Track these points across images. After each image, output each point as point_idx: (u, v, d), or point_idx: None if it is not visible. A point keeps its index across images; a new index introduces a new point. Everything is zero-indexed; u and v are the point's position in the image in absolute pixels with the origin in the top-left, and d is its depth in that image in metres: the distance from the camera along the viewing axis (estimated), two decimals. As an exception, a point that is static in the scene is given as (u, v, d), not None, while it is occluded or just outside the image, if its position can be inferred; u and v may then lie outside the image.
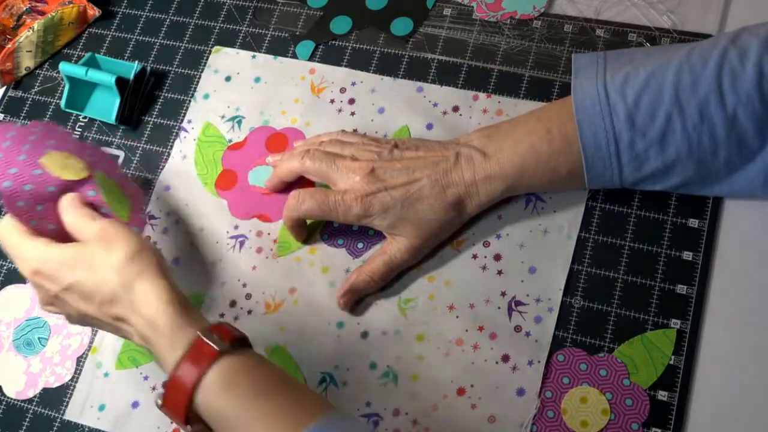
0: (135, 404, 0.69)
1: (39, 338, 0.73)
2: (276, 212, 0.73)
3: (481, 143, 0.65)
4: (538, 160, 0.62)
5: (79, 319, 0.62)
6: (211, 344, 0.54)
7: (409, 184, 0.64)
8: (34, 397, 0.71)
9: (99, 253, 0.58)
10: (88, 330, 0.72)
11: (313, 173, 0.68)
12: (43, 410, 0.70)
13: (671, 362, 0.61)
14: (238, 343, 0.56)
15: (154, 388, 0.69)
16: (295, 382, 0.57)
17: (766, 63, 0.56)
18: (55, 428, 0.69)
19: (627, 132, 0.59)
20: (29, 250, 0.60)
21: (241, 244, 0.72)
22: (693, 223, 0.65)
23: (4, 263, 0.77)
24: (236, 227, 0.73)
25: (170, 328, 0.55)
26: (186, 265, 0.73)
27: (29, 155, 0.62)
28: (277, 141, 0.76)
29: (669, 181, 0.61)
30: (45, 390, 0.71)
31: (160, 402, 0.56)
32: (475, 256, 0.68)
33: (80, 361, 0.71)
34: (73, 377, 0.71)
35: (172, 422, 0.66)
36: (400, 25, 0.78)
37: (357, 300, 0.68)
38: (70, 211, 0.62)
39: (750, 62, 0.57)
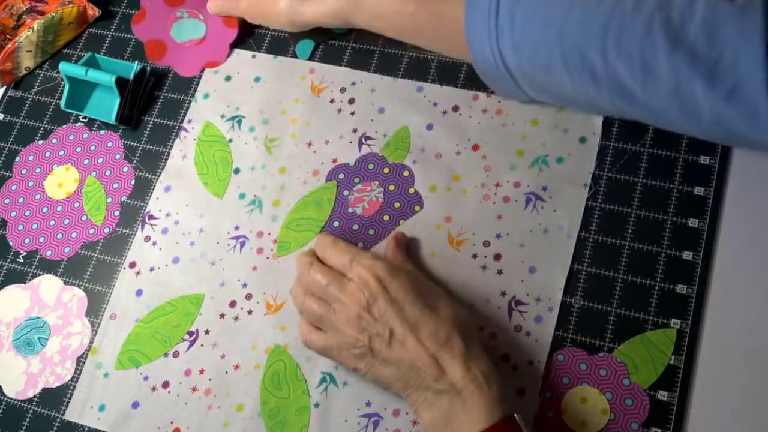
0: (135, 404, 0.69)
1: (39, 338, 0.73)
2: (220, 53, 0.80)
3: None
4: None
5: (374, 338, 0.60)
6: (523, 427, 0.56)
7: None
8: (34, 397, 0.71)
9: (442, 297, 0.62)
10: (87, 330, 0.72)
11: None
12: (43, 410, 0.70)
13: (671, 362, 0.61)
14: None
15: (154, 388, 0.69)
16: None
17: (657, 19, 0.54)
18: (55, 428, 0.69)
19: (513, 58, 0.61)
20: (374, 257, 0.63)
21: (242, 244, 0.72)
22: (693, 223, 0.65)
23: (3, 263, 0.77)
24: (237, 228, 0.73)
25: (489, 397, 0.56)
26: (186, 265, 0.73)
27: None
28: None
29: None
30: (45, 390, 0.71)
31: None
32: (474, 256, 0.68)
33: (80, 361, 0.71)
34: (72, 377, 0.71)
35: (172, 422, 0.67)
36: (400, 25, 0.78)
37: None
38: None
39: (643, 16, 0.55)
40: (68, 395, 0.70)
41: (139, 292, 0.73)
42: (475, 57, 0.63)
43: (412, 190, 0.71)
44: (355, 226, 0.70)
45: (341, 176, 0.73)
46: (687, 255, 0.64)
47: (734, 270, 0.64)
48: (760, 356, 0.61)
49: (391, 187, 0.72)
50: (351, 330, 0.60)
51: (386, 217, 0.70)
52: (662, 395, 0.61)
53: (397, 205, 0.71)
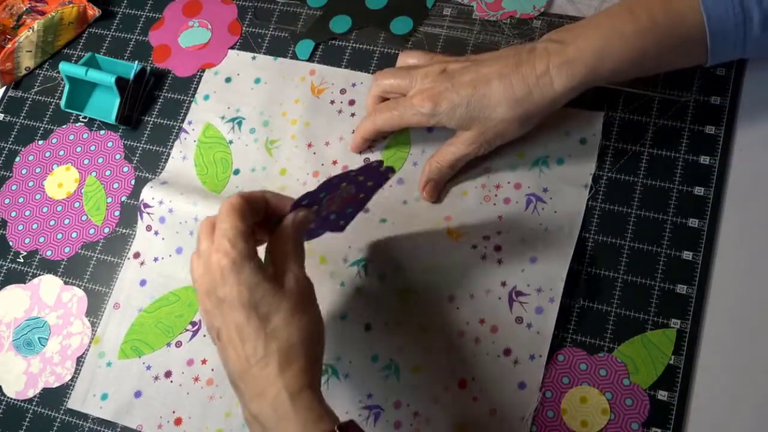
0: (137, 393, 0.69)
1: (39, 338, 0.73)
2: (219, 56, 0.81)
3: (558, 35, 0.63)
4: (622, 40, 0.60)
5: (212, 327, 0.56)
6: None
7: (477, 81, 0.64)
8: (34, 397, 0.71)
9: (283, 309, 0.53)
10: (88, 330, 0.72)
11: (389, 127, 0.69)
12: (43, 410, 0.70)
13: (671, 362, 0.61)
14: None
15: (156, 378, 0.69)
16: None
17: None
18: (55, 428, 0.69)
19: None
20: (237, 243, 0.53)
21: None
22: (693, 223, 0.65)
23: (3, 263, 0.77)
24: None
25: (308, 415, 0.51)
26: (189, 255, 0.71)
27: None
28: (192, 5, 0.84)
29: None
30: (45, 390, 0.71)
31: None
32: (474, 246, 0.67)
33: (80, 361, 0.71)
34: (73, 377, 0.71)
35: (174, 412, 0.67)
36: (400, 24, 0.78)
37: (440, 190, 0.70)
38: (288, 238, 0.56)
39: None
40: (68, 395, 0.70)
41: (142, 282, 0.73)
42: (710, 12, 0.59)
43: (382, 169, 0.63)
44: (332, 216, 0.67)
45: (305, 203, 0.61)
46: (687, 255, 0.64)
47: (734, 270, 0.64)
48: (760, 356, 0.61)
49: (361, 178, 0.63)
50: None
51: (361, 196, 0.65)
52: (662, 395, 0.61)
53: (369, 184, 0.64)
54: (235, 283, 0.52)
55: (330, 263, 0.69)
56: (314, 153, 0.75)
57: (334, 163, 0.74)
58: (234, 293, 0.52)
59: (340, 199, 0.62)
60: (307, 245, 0.69)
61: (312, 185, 0.73)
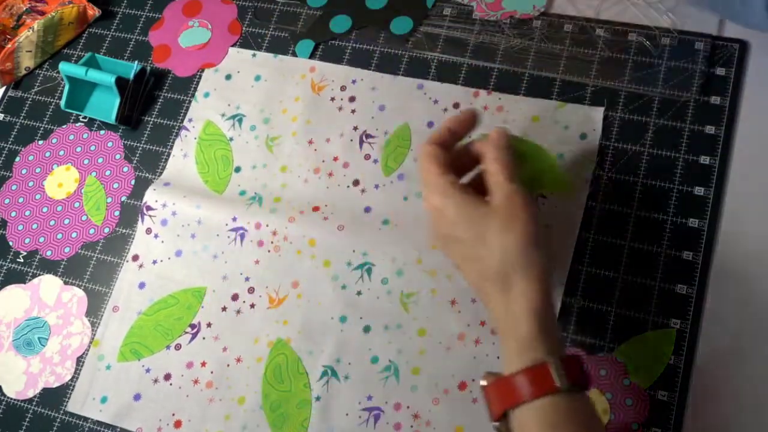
0: (137, 396, 0.69)
1: (39, 338, 0.73)
2: (219, 56, 0.81)
3: None
4: None
5: (454, 262, 0.59)
6: (555, 377, 0.51)
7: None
8: (34, 397, 0.71)
9: (494, 226, 0.55)
10: (88, 330, 0.72)
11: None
12: (43, 410, 0.70)
13: (671, 362, 0.61)
14: (580, 382, 0.52)
15: (156, 381, 0.69)
16: None
17: None
18: (55, 428, 0.70)
19: None
20: (436, 183, 0.57)
21: (242, 237, 0.72)
22: (693, 223, 0.65)
23: (3, 263, 0.77)
24: (234, 219, 0.73)
25: (525, 338, 0.52)
26: (188, 259, 0.73)
27: None
28: (192, 5, 0.85)
29: None
30: (45, 390, 0.71)
31: (485, 383, 0.54)
32: None
33: (80, 361, 0.71)
34: (73, 377, 0.71)
35: (174, 414, 0.67)
36: (400, 24, 0.78)
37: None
38: (495, 157, 0.58)
39: None
40: (68, 395, 0.70)
41: (141, 285, 0.73)
42: None
43: None
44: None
45: None
46: (687, 255, 0.64)
47: (734, 270, 0.63)
48: (760, 356, 0.61)
49: None
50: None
51: None
52: (662, 395, 0.61)
53: None
54: (449, 217, 0.57)
55: (334, 266, 0.70)
56: (315, 150, 0.75)
57: (335, 159, 0.74)
58: (450, 226, 0.57)
59: None
60: (314, 250, 0.70)
61: (313, 182, 0.73)
